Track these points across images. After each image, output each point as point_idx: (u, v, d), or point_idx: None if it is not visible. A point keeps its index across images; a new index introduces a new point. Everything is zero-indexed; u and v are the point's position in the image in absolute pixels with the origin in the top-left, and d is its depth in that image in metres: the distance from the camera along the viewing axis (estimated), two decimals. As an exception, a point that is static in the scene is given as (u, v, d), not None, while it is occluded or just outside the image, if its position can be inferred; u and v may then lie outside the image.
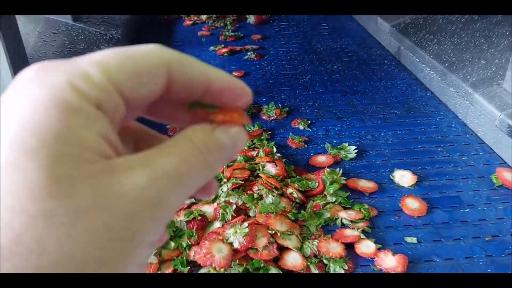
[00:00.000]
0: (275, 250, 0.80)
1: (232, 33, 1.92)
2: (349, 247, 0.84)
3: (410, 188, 1.01)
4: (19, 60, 0.95)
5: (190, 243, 0.82)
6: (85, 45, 1.47)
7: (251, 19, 2.07)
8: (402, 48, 1.64)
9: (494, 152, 1.13)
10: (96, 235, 0.14)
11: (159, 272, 0.78)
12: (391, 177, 1.04)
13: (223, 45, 1.80)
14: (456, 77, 1.30)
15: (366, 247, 0.84)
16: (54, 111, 0.15)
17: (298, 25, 2.08)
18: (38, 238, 0.14)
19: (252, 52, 1.73)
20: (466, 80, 1.26)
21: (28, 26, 1.51)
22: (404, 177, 1.03)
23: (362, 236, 0.86)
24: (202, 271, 0.77)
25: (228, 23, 2.04)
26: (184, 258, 0.80)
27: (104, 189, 0.15)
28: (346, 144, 1.14)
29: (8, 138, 0.14)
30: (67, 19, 1.59)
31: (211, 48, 1.79)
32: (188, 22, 2.09)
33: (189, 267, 0.79)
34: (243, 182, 0.95)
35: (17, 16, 1.00)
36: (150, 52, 0.18)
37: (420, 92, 1.45)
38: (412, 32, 1.62)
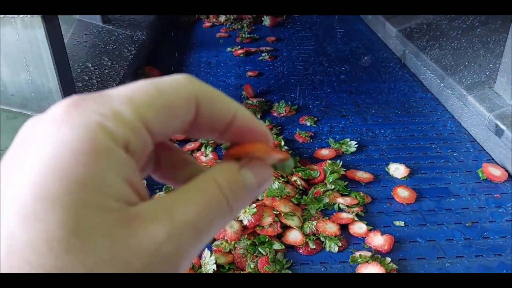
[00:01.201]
0: (279, 227, 0.93)
1: (248, 35, 2.05)
2: (344, 227, 0.97)
3: (402, 179, 1.12)
4: (61, 58, 1.09)
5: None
6: (114, 46, 1.61)
7: (267, 21, 2.19)
8: (407, 51, 1.75)
9: (483, 150, 1.24)
10: None
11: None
12: (386, 169, 1.15)
13: (239, 46, 1.93)
14: (453, 80, 1.41)
15: (359, 228, 0.96)
16: (82, 156, 0.15)
17: (311, 27, 2.20)
18: None
19: (266, 54, 1.86)
20: (461, 83, 1.37)
21: (62, 27, 1.66)
22: (398, 170, 1.14)
23: (356, 218, 0.98)
24: (216, 243, 0.90)
25: (245, 25, 2.17)
26: (201, 232, 0.93)
27: (122, 244, 0.15)
28: (348, 140, 1.26)
29: (32, 183, 0.14)
30: (97, 21, 1.74)
31: (228, 49, 1.93)
32: (207, 24, 2.22)
33: (204, 240, 0.92)
34: (253, 170, 1.08)
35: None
36: (179, 85, 0.18)
37: (421, 93, 1.56)
38: (417, 37, 1.73)
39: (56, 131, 0.15)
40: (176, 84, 0.18)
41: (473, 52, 1.50)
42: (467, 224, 0.99)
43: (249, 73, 1.70)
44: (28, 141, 0.15)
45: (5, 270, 0.13)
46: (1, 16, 0.99)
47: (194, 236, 0.17)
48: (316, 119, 1.39)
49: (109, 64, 1.49)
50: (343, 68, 1.76)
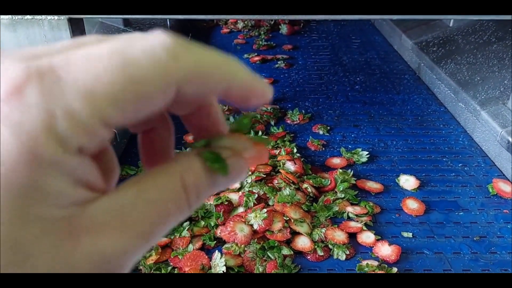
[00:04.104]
0: (288, 233, 0.95)
1: (265, 43, 2.08)
2: (352, 236, 0.98)
3: (412, 191, 1.14)
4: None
5: (217, 223, 0.98)
6: (134, 49, 1.65)
7: (284, 29, 2.22)
8: (422, 64, 1.76)
9: (495, 165, 1.24)
10: None
11: (185, 249, 0.94)
12: (397, 180, 1.17)
13: (256, 53, 1.96)
14: (466, 94, 1.42)
15: (367, 237, 0.98)
16: (24, 167, 0.13)
17: (327, 37, 2.22)
18: None
19: (282, 61, 1.88)
20: (475, 98, 1.38)
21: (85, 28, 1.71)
22: (408, 181, 1.16)
23: (364, 228, 0.99)
24: (226, 245, 0.93)
25: (262, 32, 2.20)
26: (212, 234, 0.96)
27: (63, 258, 0.14)
28: (360, 149, 1.28)
29: None
30: (119, 24, 1.78)
31: (245, 55, 1.95)
32: (225, 30, 2.26)
33: (215, 242, 0.95)
34: (265, 176, 1.10)
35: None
36: (156, 68, 0.14)
37: (434, 106, 1.57)
38: (432, 50, 1.74)
39: None
40: (152, 65, 0.14)
41: (488, 67, 1.51)
42: (474, 238, 0.99)
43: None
44: None
45: None
46: (30, 17, 1.03)
47: (145, 245, 0.15)
48: (329, 127, 1.41)
49: (129, 66, 1.52)
50: (358, 79, 1.77)
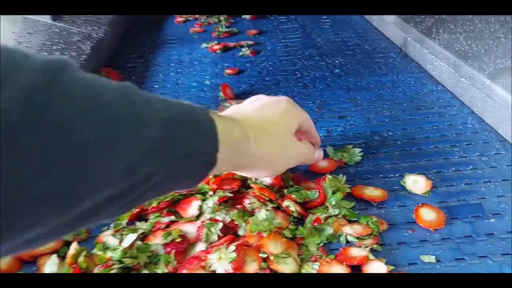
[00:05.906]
0: (268, 276, 0.67)
1: (226, 29, 1.80)
2: (356, 269, 0.72)
3: (424, 195, 0.88)
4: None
5: (167, 271, 0.69)
6: (64, 46, 1.35)
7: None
8: (409, 39, 1.51)
9: (518, 151, 1.00)
10: None
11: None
12: (402, 183, 0.91)
13: (216, 42, 1.68)
14: (470, 67, 1.17)
15: (376, 270, 0.71)
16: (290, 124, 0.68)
17: (297, 18, 1.95)
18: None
19: (247, 48, 1.61)
20: (482, 71, 1.13)
21: (2, 26, 1.40)
22: (417, 183, 0.90)
23: (371, 256, 0.73)
24: (181, 305, 0.65)
25: (222, 18, 1.92)
26: (161, 289, 0.67)
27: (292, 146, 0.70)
28: (350, 147, 1.02)
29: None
30: (46, 18, 1.48)
31: (203, 45, 1.67)
32: (179, 19, 1.96)
33: (165, 301, 0.66)
34: (232, 195, 0.82)
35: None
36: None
37: (430, 86, 1.32)
38: (419, 21, 1.49)
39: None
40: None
41: (490, 34, 1.27)
42: (517, 255, 0.74)
43: (228, 71, 1.45)
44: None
45: None
46: None
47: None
48: (309, 122, 1.14)
49: (55, 67, 1.22)
50: (337, 61, 1.51)
